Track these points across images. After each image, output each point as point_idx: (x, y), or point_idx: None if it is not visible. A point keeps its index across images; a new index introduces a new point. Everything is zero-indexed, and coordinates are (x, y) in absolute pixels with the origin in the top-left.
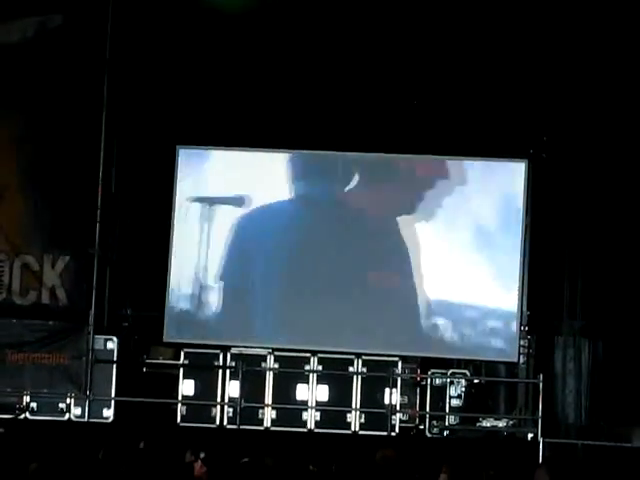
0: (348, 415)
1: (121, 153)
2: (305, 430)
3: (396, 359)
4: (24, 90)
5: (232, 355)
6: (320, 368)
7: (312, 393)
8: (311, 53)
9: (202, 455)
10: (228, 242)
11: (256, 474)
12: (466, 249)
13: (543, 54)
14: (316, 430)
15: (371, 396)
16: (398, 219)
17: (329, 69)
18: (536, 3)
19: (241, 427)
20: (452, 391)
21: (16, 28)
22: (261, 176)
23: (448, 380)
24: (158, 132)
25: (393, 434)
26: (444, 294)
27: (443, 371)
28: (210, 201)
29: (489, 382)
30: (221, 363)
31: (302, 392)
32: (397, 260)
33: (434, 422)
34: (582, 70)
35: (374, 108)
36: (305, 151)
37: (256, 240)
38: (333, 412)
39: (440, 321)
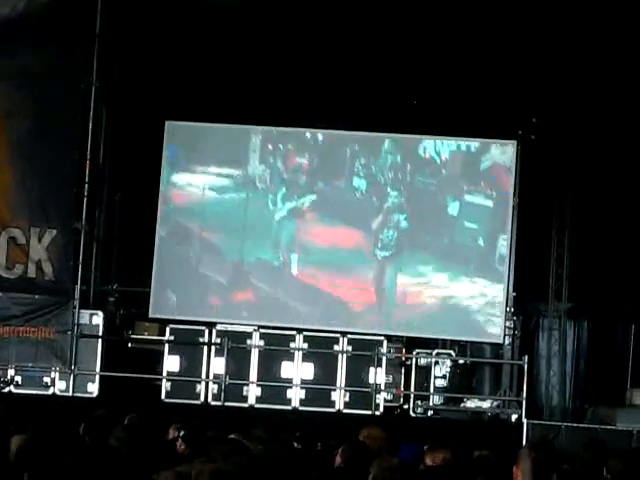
0: (333, 393)
1: (110, 128)
2: (290, 408)
3: (381, 338)
4: (13, 62)
5: (217, 332)
6: (305, 346)
7: (297, 371)
8: (305, 40)
9: (181, 433)
10: (217, 218)
11: (239, 451)
12: (454, 229)
13: (532, 37)
14: (301, 408)
15: (356, 375)
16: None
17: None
18: None
19: (225, 404)
20: (437, 371)
21: (6, 1)
22: (250, 151)
23: (433, 360)
24: (146, 106)
25: (377, 413)
26: (430, 274)
27: (428, 351)
28: (199, 175)
29: (474, 363)
30: (206, 340)
31: (287, 370)
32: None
33: (418, 402)
34: (570, 53)
35: (364, 90)
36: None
37: (243, 215)
38: (318, 390)
39: (426, 300)
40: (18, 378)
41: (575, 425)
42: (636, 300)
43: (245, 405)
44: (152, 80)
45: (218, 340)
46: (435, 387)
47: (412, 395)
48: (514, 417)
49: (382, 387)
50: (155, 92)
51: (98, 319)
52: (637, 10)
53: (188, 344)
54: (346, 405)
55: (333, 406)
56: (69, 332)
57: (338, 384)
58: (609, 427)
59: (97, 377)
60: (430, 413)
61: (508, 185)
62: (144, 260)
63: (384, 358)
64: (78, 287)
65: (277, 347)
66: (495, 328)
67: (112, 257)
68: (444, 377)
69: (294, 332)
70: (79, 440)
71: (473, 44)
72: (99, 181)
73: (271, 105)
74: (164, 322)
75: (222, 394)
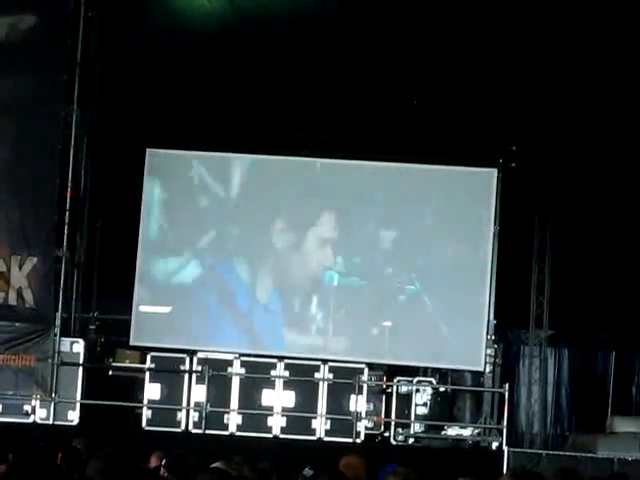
0: (313, 421)
1: (90, 155)
2: (270, 436)
3: (362, 366)
4: None
5: (198, 359)
6: (286, 374)
7: (278, 399)
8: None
9: (164, 461)
10: (197, 246)
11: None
12: (435, 255)
13: (512, 66)
14: (281, 436)
15: (337, 403)
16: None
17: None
18: (505, 19)
19: (206, 432)
20: (418, 399)
21: None
22: (236, 179)
23: (414, 388)
24: (127, 134)
25: (358, 441)
26: (410, 302)
27: (409, 379)
28: (179, 204)
29: (455, 390)
30: (187, 367)
31: (268, 398)
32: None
33: (399, 429)
34: (550, 81)
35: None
36: (285, 157)
37: (229, 244)
38: (299, 418)
39: (406, 328)
40: None
41: (556, 453)
42: (616, 327)
43: (226, 433)
44: (133, 108)
45: (199, 368)
46: (416, 415)
47: (393, 423)
48: (495, 445)
49: (363, 415)
50: (136, 120)
51: (79, 347)
52: (616, 38)
53: (169, 372)
54: (327, 433)
55: (314, 434)
56: (50, 360)
57: (319, 412)
58: (590, 455)
59: (78, 405)
60: (411, 441)
61: (489, 213)
62: (125, 288)
63: (365, 386)
64: (59, 315)
65: (258, 375)
66: (476, 356)
67: (93, 285)
68: (425, 405)
69: (275, 360)
70: (59, 469)
71: (453, 74)
72: (80, 209)
73: (255, 132)
74: (145, 350)
75: (203, 422)
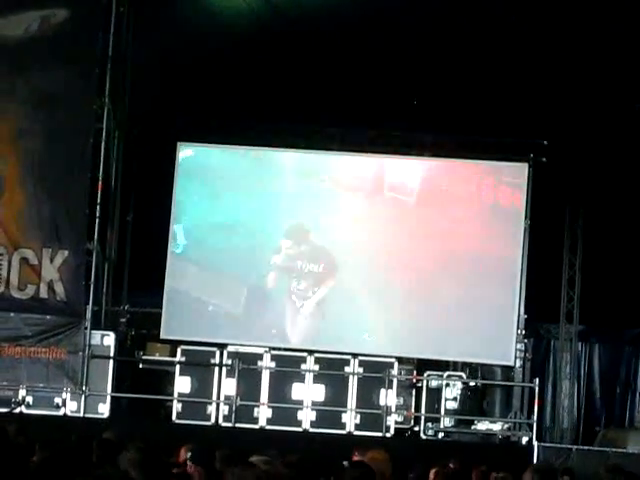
0: (343, 415)
1: (122, 149)
2: (300, 429)
3: (392, 360)
4: (26, 84)
5: (229, 353)
6: (316, 368)
7: (308, 393)
8: (310, 53)
9: (189, 454)
10: (228, 241)
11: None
12: (466, 251)
13: (544, 60)
14: (311, 430)
15: (367, 397)
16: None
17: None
18: (538, 9)
19: (236, 425)
20: (448, 393)
21: (19, 21)
22: (265, 174)
23: (444, 382)
24: (159, 127)
25: (388, 435)
26: (442, 295)
27: (439, 373)
28: (211, 198)
29: (485, 385)
30: (217, 361)
31: (298, 391)
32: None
33: (429, 424)
34: (582, 76)
35: (375, 108)
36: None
37: (256, 240)
38: (328, 412)
39: (437, 323)
40: (29, 399)
41: (586, 448)
42: None
43: (256, 426)
44: (164, 102)
45: (229, 361)
46: (446, 409)
47: (423, 417)
48: (525, 439)
49: (393, 409)
50: (167, 113)
51: (109, 340)
52: None
53: (199, 365)
54: (357, 427)
55: (344, 428)
56: (80, 353)
57: (349, 406)
58: (620, 450)
59: (108, 398)
60: (441, 435)
61: (520, 207)
62: (156, 281)
63: (395, 380)
64: (90, 308)
65: (288, 368)
66: (507, 350)
67: (124, 278)
68: (455, 399)
69: (305, 354)
70: (90, 461)
71: (486, 69)
72: (111, 202)
73: (285, 127)
74: (175, 343)
75: (233, 415)
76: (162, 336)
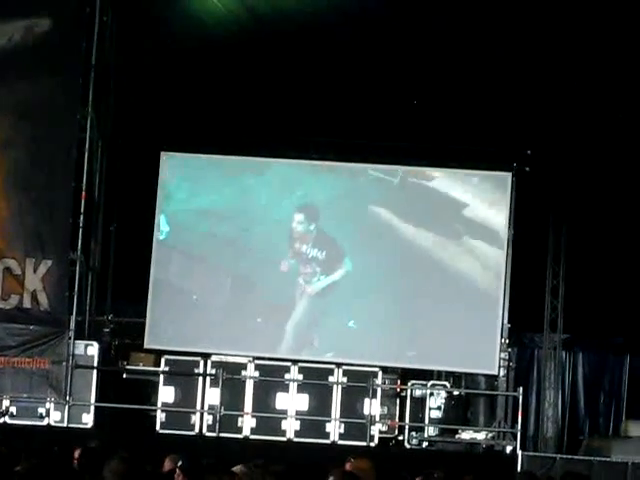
0: (327, 425)
1: (105, 158)
2: (284, 439)
3: (376, 370)
4: (9, 94)
5: (212, 363)
6: (300, 377)
7: (292, 402)
8: (304, 59)
9: (179, 463)
10: (213, 250)
11: None
12: (449, 259)
13: (529, 69)
14: (295, 439)
15: (351, 406)
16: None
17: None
18: (519, 18)
19: (220, 435)
20: (432, 402)
21: (2, 31)
22: (249, 184)
23: (428, 391)
24: (142, 137)
25: (372, 444)
26: (426, 304)
27: (423, 382)
28: (194, 208)
29: (469, 394)
30: (201, 370)
31: (282, 401)
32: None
33: (413, 433)
34: (566, 86)
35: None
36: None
37: (241, 249)
38: (312, 421)
39: (421, 332)
40: (13, 409)
41: (570, 457)
42: (630, 331)
43: (240, 436)
44: (148, 111)
45: (213, 371)
46: (430, 418)
47: (407, 426)
48: (509, 449)
49: (377, 418)
50: (151, 123)
51: (93, 350)
52: (633, 42)
53: (183, 375)
54: (341, 436)
55: (328, 437)
56: (64, 363)
57: (333, 415)
58: (604, 459)
59: (92, 408)
60: (425, 444)
61: (503, 217)
62: (139, 291)
63: (379, 389)
64: (73, 317)
65: (272, 378)
66: (490, 359)
67: (107, 288)
68: (439, 408)
69: (289, 363)
70: (73, 471)
71: (470, 78)
72: (94, 212)
73: (269, 136)
74: (159, 353)
75: (217, 425)
76: (146, 346)
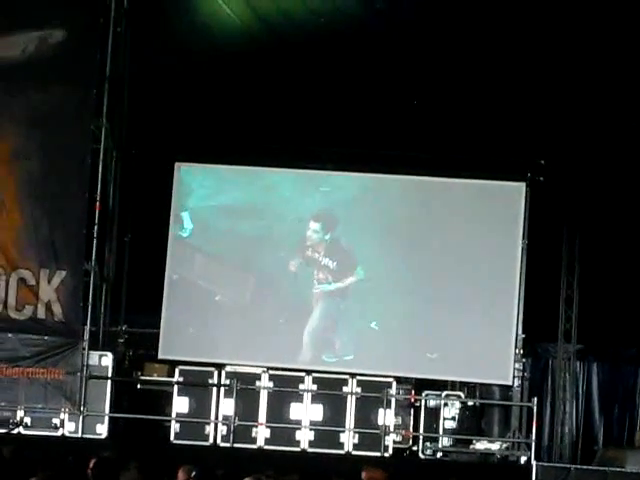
0: (342, 435)
1: (119, 169)
2: (298, 449)
3: (390, 380)
4: (23, 104)
5: (227, 373)
6: (314, 388)
7: (306, 412)
8: (314, 70)
9: (193, 474)
10: (225, 260)
11: None
12: (463, 269)
13: (541, 79)
14: (309, 449)
15: (365, 416)
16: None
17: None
18: (533, 28)
19: (234, 445)
20: (446, 413)
21: (16, 42)
22: (260, 193)
23: (442, 402)
24: (156, 147)
25: (386, 455)
26: (440, 314)
27: (437, 393)
28: (207, 218)
29: (483, 404)
30: (215, 381)
31: (296, 411)
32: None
33: (427, 443)
34: (579, 95)
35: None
36: (303, 171)
37: (254, 258)
38: (327, 432)
39: (436, 342)
40: (27, 419)
41: (584, 467)
42: None
43: (254, 446)
44: (162, 122)
45: (227, 381)
46: (444, 429)
47: (421, 437)
48: (523, 459)
49: (391, 429)
50: (165, 134)
51: (107, 360)
52: None
53: (197, 385)
54: (355, 447)
55: (342, 448)
56: (78, 373)
57: (347, 425)
58: (619, 469)
59: (106, 418)
60: (439, 455)
61: (518, 227)
62: (153, 301)
63: (393, 400)
64: (87, 328)
65: (286, 388)
66: (505, 370)
67: (121, 298)
68: (453, 419)
69: (303, 374)
70: None
71: (482, 87)
72: (109, 222)
73: (282, 146)
74: (173, 363)
75: (231, 435)
76: (160, 356)
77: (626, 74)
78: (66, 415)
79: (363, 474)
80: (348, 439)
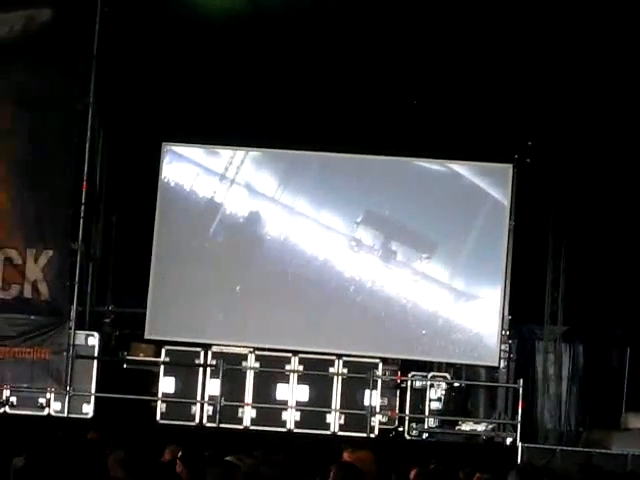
0: (328, 416)
1: (106, 148)
2: (285, 430)
3: (377, 361)
4: (10, 84)
5: (213, 353)
6: (301, 368)
7: (292, 393)
8: (304, 52)
9: (179, 454)
10: (212, 241)
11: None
12: (450, 250)
13: (528, 61)
14: (295, 430)
15: (351, 397)
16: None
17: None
18: (522, 13)
19: (220, 426)
20: (432, 394)
21: (3, 21)
22: (249, 175)
23: (428, 383)
24: (144, 127)
25: (372, 436)
26: (426, 297)
27: (423, 374)
28: (195, 199)
29: (469, 386)
30: (202, 361)
31: (282, 392)
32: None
33: (413, 424)
34: (566, 76)
35: (366, 110)
36: (297, 151)
37: (240, 241)
38: (313, 412)
39: (421, 323)
40: (13, 399)
41: (570, 449)
42: (631, 323)
43: (240, 427)
44: (149, 101)
45: (213, 362)
46: (430, 410)
47: (407, 418)
48: (509, 440)
49: (377, 410)
50: (152, 113)
51: (94, 340)
52: (631, 33)
53: (183, 366)
54: (341, 427)
55: (328, 428)
56: (65, 353)
57: (333, 406)
58: (604, 451)
59: (92, 398)
60: (425, 436)
61: (504, 208)
62: (140, 281)
63: (379, 381)
64: (74, 308)
65: (272, 369)
66: (491, 351)
67: (108, 278)
68: (439, 400)
69: (289, 354)
70: (75, 461)
71: (470, 70)
72: (96, 202)
73: (269, 127)
74: (159, 343)
75: (217, 416)
76: (146, 336)
77: (613, 57)
78: (52, 395)
79: (345, 454)
80: (334, 420)
